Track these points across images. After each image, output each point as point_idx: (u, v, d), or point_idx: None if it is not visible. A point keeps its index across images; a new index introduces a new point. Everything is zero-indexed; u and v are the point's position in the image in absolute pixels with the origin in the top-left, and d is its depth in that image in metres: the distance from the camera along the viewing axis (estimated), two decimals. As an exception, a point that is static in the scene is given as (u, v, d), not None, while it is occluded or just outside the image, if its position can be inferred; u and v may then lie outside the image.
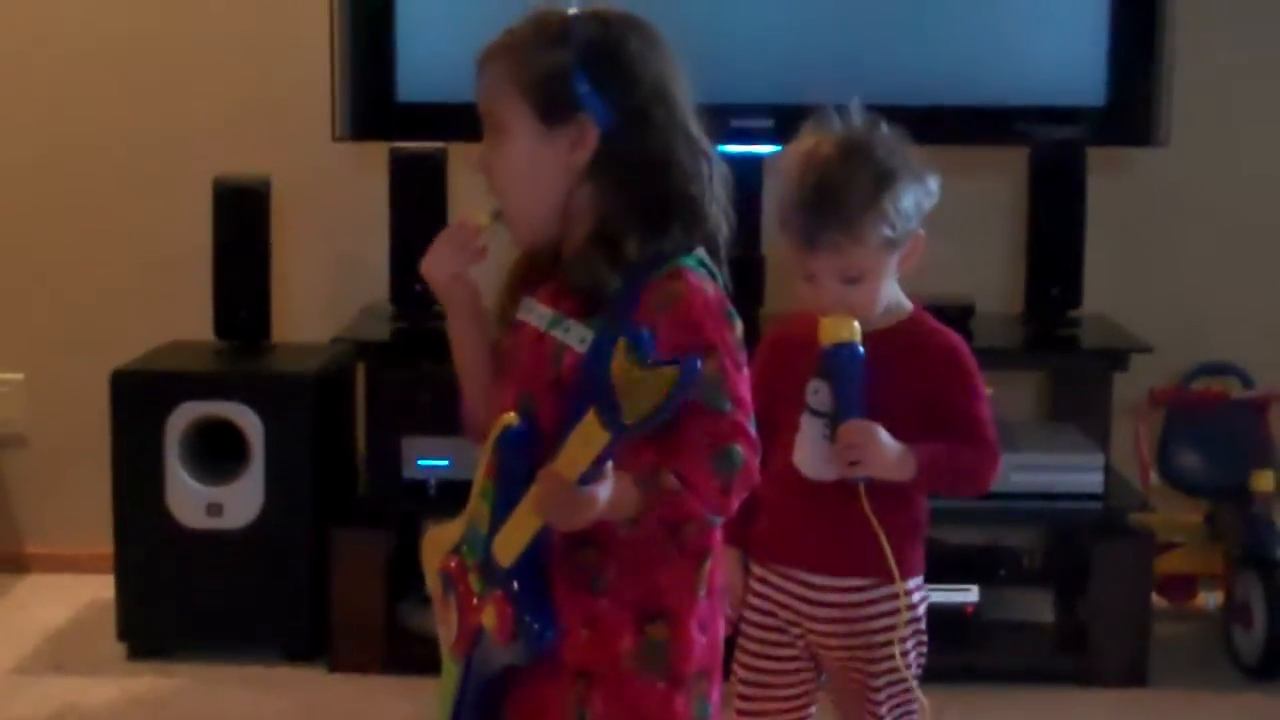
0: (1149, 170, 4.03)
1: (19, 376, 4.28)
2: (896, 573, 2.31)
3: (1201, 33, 3.91)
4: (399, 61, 3.80)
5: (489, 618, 1.96)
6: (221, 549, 3.69)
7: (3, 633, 3.87)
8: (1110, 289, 3.96)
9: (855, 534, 2.31)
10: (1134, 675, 3.60)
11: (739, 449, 1.90)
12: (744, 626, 2.45)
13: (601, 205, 1.97)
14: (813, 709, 2.47)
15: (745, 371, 1.95)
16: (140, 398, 3.70)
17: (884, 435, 2.27)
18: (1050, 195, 3.82)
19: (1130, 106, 3.78)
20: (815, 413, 2.33)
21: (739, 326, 1.96)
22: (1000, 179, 4.04)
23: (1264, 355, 4.04)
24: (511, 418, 1.96)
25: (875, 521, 2.27)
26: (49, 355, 4.25)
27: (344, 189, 4.14)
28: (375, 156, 3.91)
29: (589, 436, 1.77)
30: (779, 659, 2.44)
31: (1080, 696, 3.59)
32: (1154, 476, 3.93)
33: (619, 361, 1.74)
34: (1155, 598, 3.77)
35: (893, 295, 2.36)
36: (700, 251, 1.98)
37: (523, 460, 1.93)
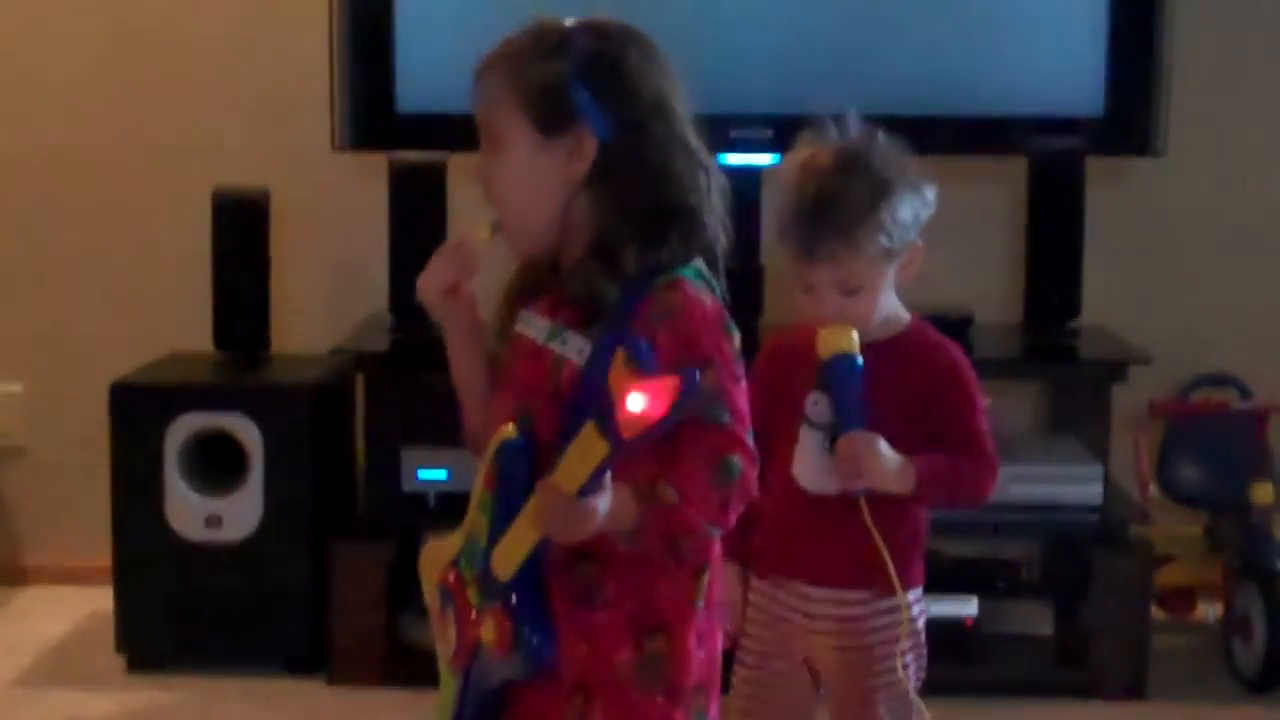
0: (1147, 180, 4.04)
1: (18, 388, 4.28)
2: (898, 584, 2.31)
3: (1199, 43, 3.92)
4: (398, 72, 3.81)
5: (487, 631, 1.95)
6: (221, 561, 3.69)
7: (2, 645, 3.87)
8: (1109, 300, 3.96)
9: (855, 546, 2.30)
10: (1133, 687, 3.60)
11: (737, 461, 1.90)
12: (743, 639, 2.44)
13: (599, 216, 1.96)
14: (812, 721, 2.47)
15: (743, 383, 1.95)
16: (139, 409, 3.69)
17: (884, 447, 2.27)
18: (1049, 205, 3.82)
19: (1128, 117, 3.78)
20: (814, 425, 2.32)
21: (737, 338, 1.96)
22: (999, 189, 4.04)
23: (1263, 367, 4.04)
24: (510, 430, 1.95)
25: (876, 533, 2.27)
26: (48, 366, 4.25)
27: (343, 199, 4.14)
28: (375, 167, 3.91)
29: (588, 448, 1.76)
30: (778, 671, 2.43)
31: (1080, 709, 3.59)
32: (1153, 488, 3.93)
33: (618, 373, 1.74)
34: (1155, 610, 3.77)
35: (891, 306, 2.36)
36: (698, 263, 1.98)
37: (521, 472, 1.93)
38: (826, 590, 2.37)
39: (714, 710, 2.04)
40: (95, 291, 4.22)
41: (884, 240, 2.28)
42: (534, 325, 2.01)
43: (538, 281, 2.04)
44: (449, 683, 2.05)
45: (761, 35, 3.76)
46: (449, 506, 3.49)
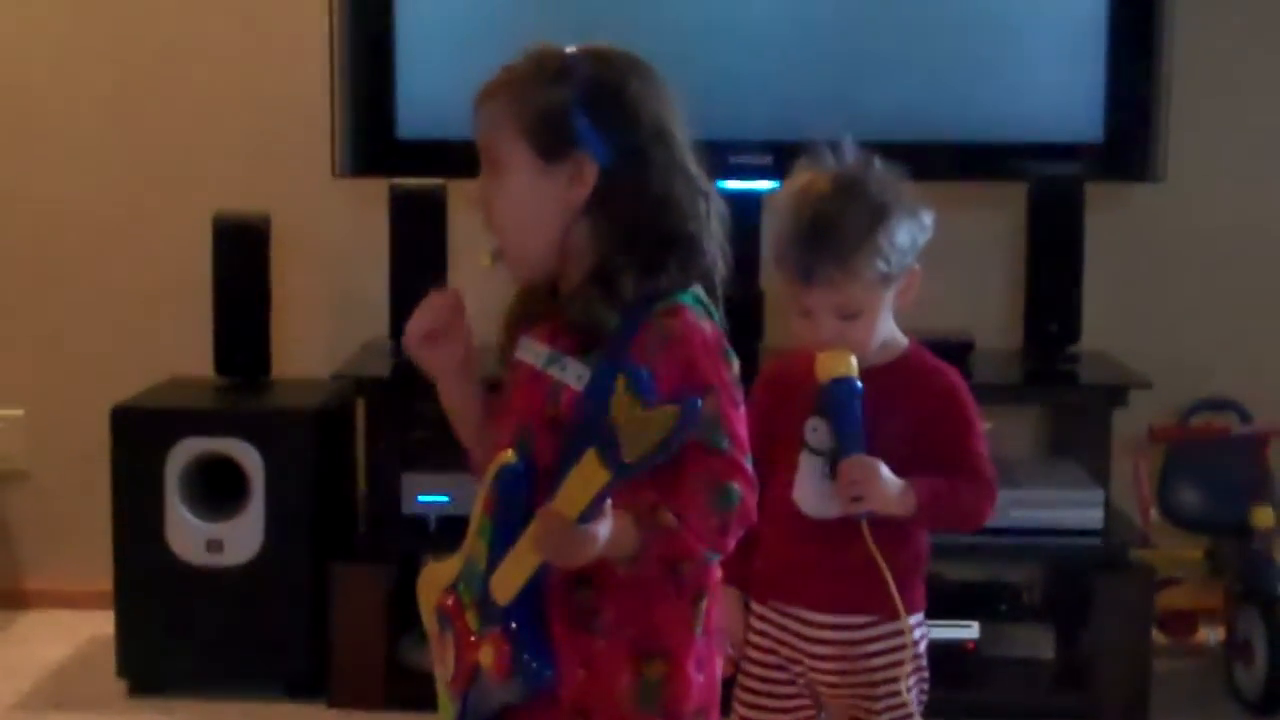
0: (1147, 206, 4.04)
1: (19, 412, 4.29)
2: (902, 608, 2.31)
3: (1199, 68, 3.92)
4: (399, 98, 3.82)
5: (486, 655, 1.96)
6: (222, 585, 3.69)
7: (2, 669, 3.87)
8: (1109, 325, 3.97)
9: (856, 571, 2.31)
10: (1135, 711, 3.59)
11: (736, 487, 1.90)
12: (744, 664, 2.44)
13: (599, 242, 1.97)
14: (812, 746, 2.47)
15: (742, 409, 1.95)
16: (140, 434, 3.70)
17: (885, 471, 2.28)
18: (1049, 231, 3.83)
19: (1128, 142, 3.79)
20: (814, 450, 2.33)
21: (736, 364, 1.97)
22: (999, 215, 4.05)
23: (1263, 391, 4.04)
24: (509, 455, 1.96)
25: (880, 557, 2.27)
26: (49, 391, 4.26)
27: (344, 225, 4.15)
28: (375, 193, 3.92)
29: (589, 475, 1.77)
30: (779, 696, 2.43)
31: (1081, 733, 3.59)
32: (1154, 512, 3.93)
33: (619, 401, 1.74)
34: (1156, 634, 3.77)
35: (889, 331, 2.37)
36: (697, 289, 1.98)
37: (520, 498, 1.93)
38: (829, 615, 2.37)
39: (713, 735, 2.04)
40: (97, 316, 4.23)
41: (881, 265, 2.28)
42: (533, 351, 2.02)
43: (537, 308, 2.05)
44: (447, 706, 2.05)
45: (761, 62, 3.77)
46: (449, 530, 3.50)
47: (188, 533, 3.69)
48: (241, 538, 3.68)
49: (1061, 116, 3.81)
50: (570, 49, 2.00)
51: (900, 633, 2.35)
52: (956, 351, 3.47)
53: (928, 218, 2.34)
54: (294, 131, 4.07)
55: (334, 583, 3.64)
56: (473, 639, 1.99)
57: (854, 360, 2.29)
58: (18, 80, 4.21)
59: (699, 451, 1.87)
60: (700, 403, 1.77)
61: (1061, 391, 3.89)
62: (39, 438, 4.27)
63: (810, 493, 2.34)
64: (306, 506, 3.70)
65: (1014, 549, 3.65)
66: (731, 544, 1.93)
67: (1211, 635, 3.98)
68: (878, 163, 2.34)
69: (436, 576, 2.07)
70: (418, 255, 3.81)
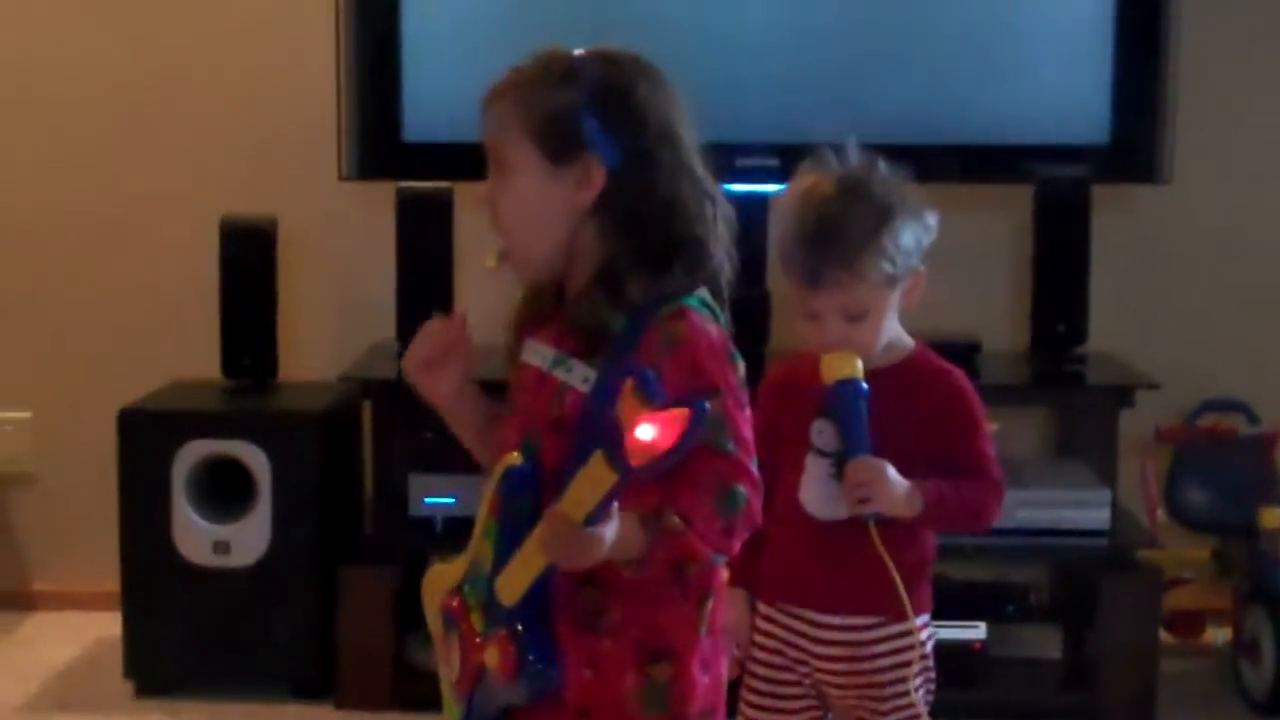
0: (1153, 207, 4.04)
1: (26, 415, 4.29)
2: (910, 609, 2.31)
3: (1204, 70, 3.93)
4: (405, 101, 3.83)
5: (492, 657, 1.96)
6: (228, 587, 3.69)
7: (9, 671, 3.87)
8: (1116, 326, 3.97)
9: (863, 572, 2.31)
10: (1142, 711, 3.59)
11: (742, 489, 1.91)
12: (751, 665, 2.45)
13: (606, 244, 1.97)
14: (819, 746, 2.47)
15: (748, 412, 1.96)
16: (147, 436, 3.70)
17: (892, 472, 2.28)
18: (1055, 233, 3.83)
19: (1134, 144, 3.79)
20: (820, 453, 2.33)
21: (741, 367, 1.97)
22: (1005, 217, 4.05)
23: (1270, 391, 4.04)
24: (515, 457, 1.96)
25: (888, 558, 2.27)
26: (56, 393, 4.26)
27: (350, 228, 4.16)
28: (382, 196, 3.92)
29: (596, 478, 1.77)
30: (786, 697, 2.43)
31: (1088, 734, 3.59)
32: (1161, 513, 3.93)
33: (627, 403, 1.74)
34: (1163, 634, 3.77)
35: (894, 332, 2.37)
36: (703, 292, 1.98)
37: (526, 500, 1.94)
38: (836, 616, 2.37)
39: (719, 736, 2.05)
40: (104, 318, 4.24)
41: (887, 266, 2.29)
42: (539, 353, 2.02)
43: (543, 310, 2.05)
44: (452, 707, 2.05)
45: (767, 64, 3.77)
46: (456, 532, 3.47)
47: (195, 535, 3.69)
48: (248, 539, 3.69)
49: (1067, 119, 3.81)
50: (578, 51, 2.00)
51: (907, 633, 2.35)
52: (963, 353, 3.48)
53: (932, 218, 2.34)
54: (301, 135, 4.07)
55: (341, 584, 3.64)
56: (478, 640, 1.99)
57: (860, 362, 2.30)
58: (24, 83, 4.21)
59: (705, 454, 1.87)
60: (708, 406, 1.77)
61: (1068, 392, 3.89)
62: (46, 440, 4.28)
63: (817, 494, 2.35)
64: (313, 508, 3.71)
65: (1021, 549, 3.66)
66: (737, 546, 1.93)
67: (1219, 635, 3.98)
68: (881, 164, 2.34)
69: (442, 578, 2.08)
70: (424, 258, 3.82)
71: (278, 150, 4.13)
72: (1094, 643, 3.66)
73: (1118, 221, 4.02)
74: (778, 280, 2.51)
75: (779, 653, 2.42)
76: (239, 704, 3.68)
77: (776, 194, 2.42)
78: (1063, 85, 3.81)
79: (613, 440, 1.74)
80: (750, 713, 2.45)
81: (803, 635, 2.40)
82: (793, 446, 2.35)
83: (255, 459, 3.68)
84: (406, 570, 3.67)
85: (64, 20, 4.20)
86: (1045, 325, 3.85)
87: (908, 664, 2.35)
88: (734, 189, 2.14)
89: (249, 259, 3.87)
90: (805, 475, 2.35)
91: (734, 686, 2.19)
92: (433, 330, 2.09)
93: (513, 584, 1.94)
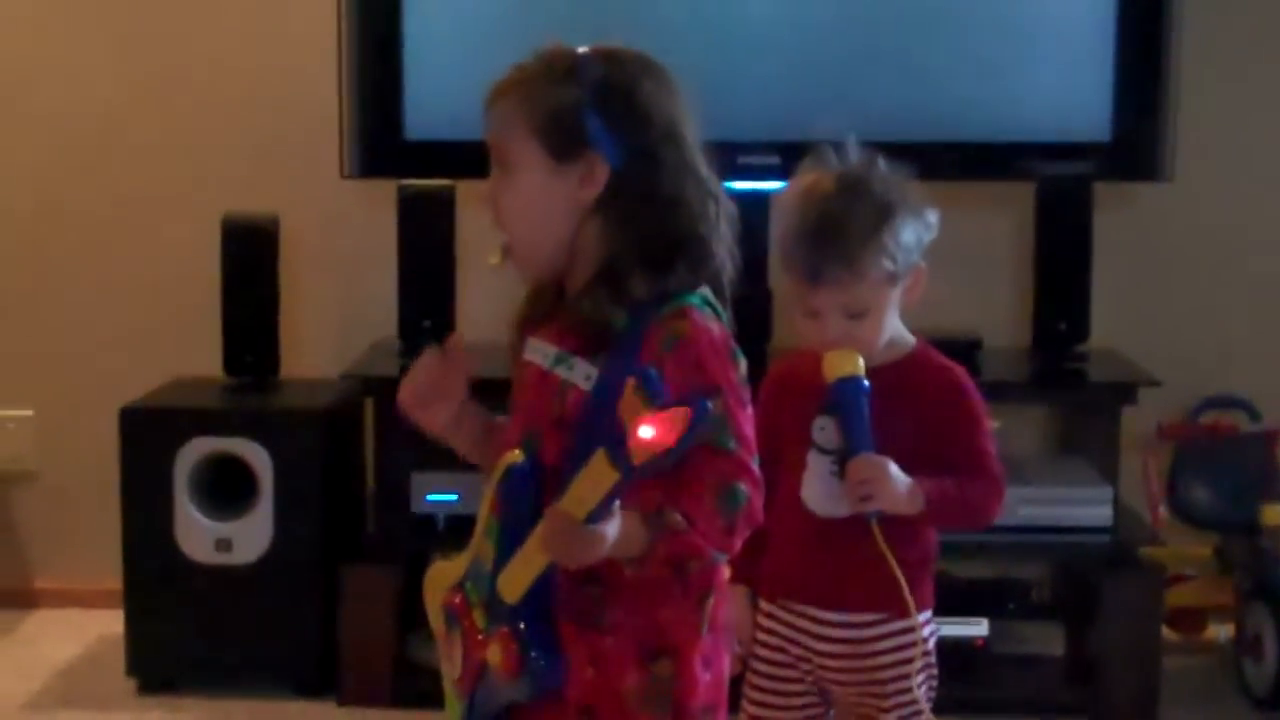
0: (1155, 205, 4.04)
1: (28, 412, 4.30)
2: (913, 606, 2.31)
3: (1206, 67, 3.92)
4: (406, 99, 3.83)
5: (494, 654, 1.96)
6: (231, 584, 3.70)
7: (12, 668, 3.88)
8: (1117, 323, 3.97)
9: (865, 569, 2.31)
10: (1144, 709, 3.59)
11: (743, 488, 1.91)
12: (753, 662, 2.45)
13: (608, 242, 1.97)
14: (820, 743, 2.47)
15: (749, 410, 1.96)
16: (149, 433, 3.71)
17: (894, 469, 2.28)
18: (1057, 230, 3.83)
19: (1136, 142, 3.79)
20: (822, 450, 2.33)
21: (743, 365, 1.97)
22: (1007, 214, 4.05)
23: (1272, 388, 4.04)
24: (516, 455, 1.96)
25: (890, 555, 2.27)
26: (58, 391, 4.26)
27: (352, 226, 4.16)
28: (383, 194, 3.93)
29: (598, 476, 1.77)
30: (788, 694, 2.43)
31: (1090, 730, 3.59)
32: (1163, 510, 3.93)
33: (628, 401, 1.74)
34: (1165, 631, 3.77)
35: (895, 330, 2.37)
36: (705, 290, 1.98)
37: (527, 498, 1.94)
38: (838, 613, 2.37)
39: (720, 733, 2.05)
40: (106, 317, 4.24)
41: (887, 263, 2.29)
42: (541, 351, 2.02)
43: (545, 308, 2.05)
44: (454, 705, 2.06)
45: (768, 62, 3.77)
46: (458, 529, 3.47)
47: (197, 532, 3.70)
48: (250, 537, 3.69)
49: (1069, 116, 3.81)
50: (582, 49, 2.00)
51: (909, 630, 2.35)
52: (965, 350, 3.48)
53: (932, 216, 2.34)
54: (303, 133, 4.07)
55: (343, 581, 3.64)
56: (480, 637, 1.99)
57: (861, 359, 2.30)
58: (25, 82, 4.21)
59: (706, 452, 1.87)
60: (709, 404, 1.77)
61: (1070, 390, 3.89)
62: (48, 438, 4.28)
63: (819, 492, 2.35)
64: (315, 506, 3.71)
65: (1023, 546, 3.66)
66: (738, 544, 1.93)
67: (1221, 632, 3.98)
68: (881, 162, 2.34)
69: (444, 575, 2.08)
70: (426, 256, 3.82)
71: (279, 148, 4.14)
72: (1096, 640, 3.66)
73: (1119, 219, 4.02)
74: (779, 278, 2.51)
75: (781, 650, 2.43)
76: (241, 701, 3.68)
77: (778, 192, 2.42)
78: (1064, 82, 3.81)
79: (614, 439, 1.74)
80: (752, 710, 2.45)
81: (805, 632, 2.40)
82: (794, 444, 2.35)
83: (257, 456, 3.68)
84: (408, 568, 3.68)
85: (65, 19, 4.20)
86: (1047, 322, 3.85)
87: (910, 661, 2.36)
88: (735, 187, 2.14)
89: (251, 257, 3.87)
90: (807, 473, 2.35)
91: (736, 684, 2.19)
92: (427, 364, 2.08)
93: (514, 582, 1.94)
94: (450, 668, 2.06)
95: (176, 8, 4.18)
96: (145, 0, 4.18)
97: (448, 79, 3.74)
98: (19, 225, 4.24)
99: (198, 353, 3.99)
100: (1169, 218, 4.08)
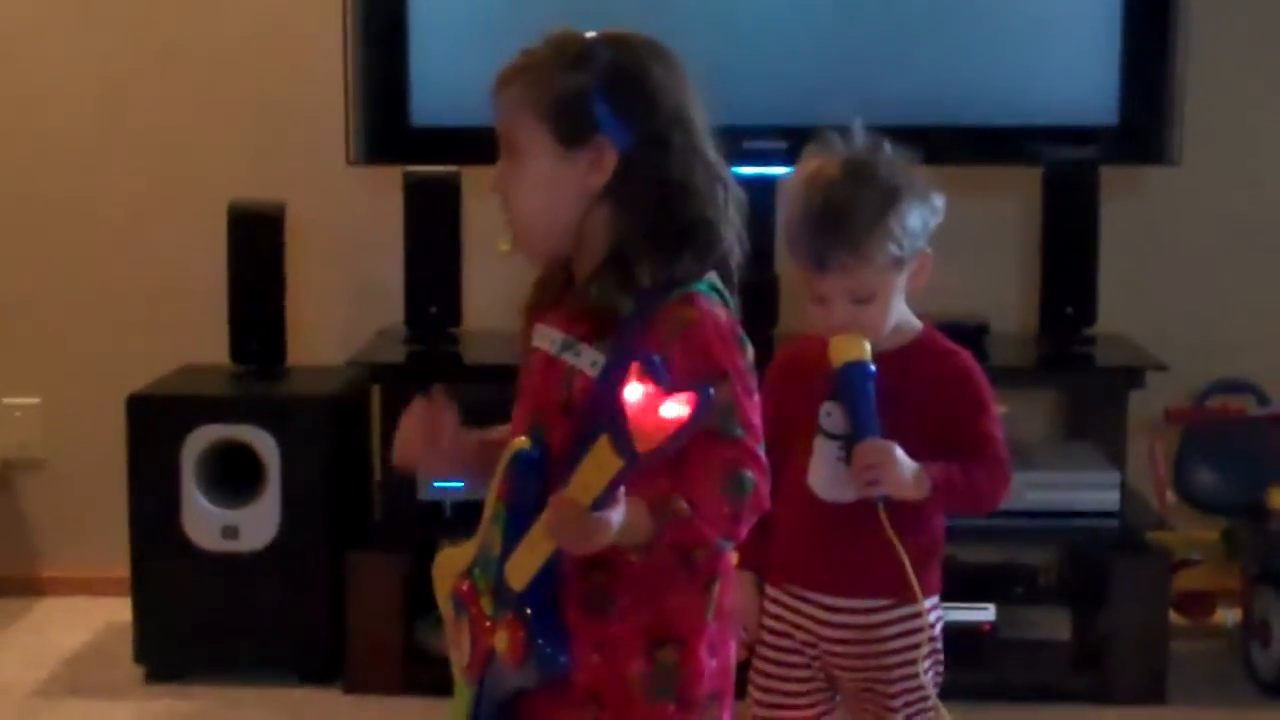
0: (1162, 189, 4.04)
1: (36, 401, 4.30)
2: (919, 592, 2.31)
3: (1213, 51, 3.91)
4: (412, 86, 3.83)
5: (501, 640, 1.96)
6: (238, 572, 3.70)
7: (20, 656, 3.88)
8: (1125, 307, 3.96)
9: (872, 555, 2.30)
10: (1152, 693, 3.59)
11: (750, 474, 1.90)
12: (759, 648, 2.45)
13: (616, 228, 1.97)
14: (828, 729, 2.47)
15: (756, 397, 1.95)
16: (156, 421, 3.71)
17: (900, 454, 2.27)
18: (1064, 214, 3.82)
19: (1143, 126, 3.79)
20: (829, 435, 2.33)
21: (750, 352, 1.96)
22: (1014, 199, 4.05)
23: (1279, 372, 4.03)
24: (523, 442, 1.96)
25: (897, 541, 2.27)
26: (66, 379, 4.27)
27: (358, 213, 4.15)
28: (389, 181, 3.92)
29: (602, 463, 1.76)
30: (795, 680, 2.43)
31: (1098, 714, 3.58)
32: (1170, 494, 3.93)
33: (633, 388, 1.74)
34: (1173, 615, 3.77)
35: (902, 314, 2.36)
36: (712, 276, 1.98)
37: (535, 484, 1.94)
38: (845, 599, 2.37)
39: (727, 718, 2.04)
40: (112, 304, 4.24)
41: (894, 248, 2.28)
42: (548, 338, 2.02)
43: (553, 295, 2.05)
44: (463, 692, 2.06)
45: (775, 46, 3.76)
46: (465, 516, 3.50)
47: (204, 519, 3.70)
48: (257, 524, 3.69)
49: (1076, 100, 3.80)
50: (590, 34, 2.00)
51: (916, 616, 2.35)
52: (971, 334, 3.48)
53: (938, 200, 2.34)
54: (308, 120, 4.07)
55: (350, 569, 3.65)
56: (488, 624, 1.99)
57: (867, 344, 2.29)
58: (29, 68, 4.21)
59: (713, 439, 1.87)
60: (714, 391, 1.77)
61: (1077, 374, 3.89)
62: (55, 426, 4.28)
63: (825, 477, 2.35)
64: (322, 493, 3.71)
65: (1030, 531, 3.66)
66: (744, 531, 1.93)
67: (1228, 616, 3.98)
68: (887, 146, 2.34)
69: (451, 562, 2.08)
70: (432, 242, 3.82)
71: (285, 136, 4.13)
72: (1103, 624, 3.66)
73: (1127, 203, 4.01)
74: (786, 263, 2.51)
75: (787, 635, 2.43)
76: (249, 689, 3.69)
77: (784, 177, 2.41)
78: (1072, 67, 3.80)
79: (619, 425, 1.74)
80: (759, 695, 2.45)
81: (811, 618, 2.40)
82: (801, 429, 2.34)
83: (264, 444, 3.68)
84: (416, 555, 3.68)
85: (70, 8, 4.19)
86: (1054, 307, 3.85)
87: (917, 646, 2.36)
88: (742, 172, 2.14)
89: (257, 244, 3.87)
90: (813, 458, 2.35)
91: (742, 669, 2.18)
92: (417, 414, 2.08)
93: (521, 568, 1.94)
94: (458, 654, 2.06)
95: (182, -5, 4.19)
96: (151, -11, 4.19)
97: (453, 65, 3.74)
98: (24, 214, 4.24)
99: (205, 340, 3.99)
100: (1176, 202, 4.08)
